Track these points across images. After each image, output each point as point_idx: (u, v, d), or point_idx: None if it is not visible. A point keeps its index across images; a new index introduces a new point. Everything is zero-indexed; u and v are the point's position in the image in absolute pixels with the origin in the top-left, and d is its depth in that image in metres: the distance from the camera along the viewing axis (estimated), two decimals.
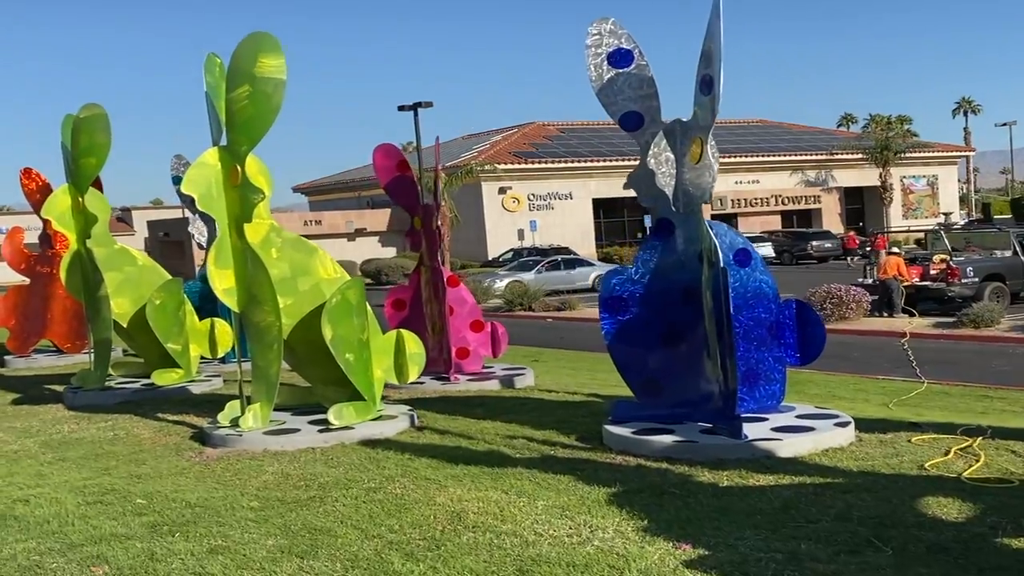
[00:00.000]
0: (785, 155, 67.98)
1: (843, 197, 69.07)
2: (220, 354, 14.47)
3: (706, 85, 8.12)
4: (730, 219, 64.33)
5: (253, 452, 9.54)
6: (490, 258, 53.77)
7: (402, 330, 10.85)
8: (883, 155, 65.10)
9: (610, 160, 61.55)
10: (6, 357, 18.94)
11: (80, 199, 12.94)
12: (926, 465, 7.68)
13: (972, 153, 76.95)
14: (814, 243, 54.32)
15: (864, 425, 9.03)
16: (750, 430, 8.24)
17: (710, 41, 8.01)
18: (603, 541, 6.20)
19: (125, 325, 13.69)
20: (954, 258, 26.04)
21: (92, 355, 13.92)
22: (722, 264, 8.05)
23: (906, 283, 25.08)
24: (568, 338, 23.04)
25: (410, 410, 10.72)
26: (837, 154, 68.24)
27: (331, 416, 9.84)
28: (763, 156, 67.20)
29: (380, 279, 48.44)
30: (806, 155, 68.47)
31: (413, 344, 10.74)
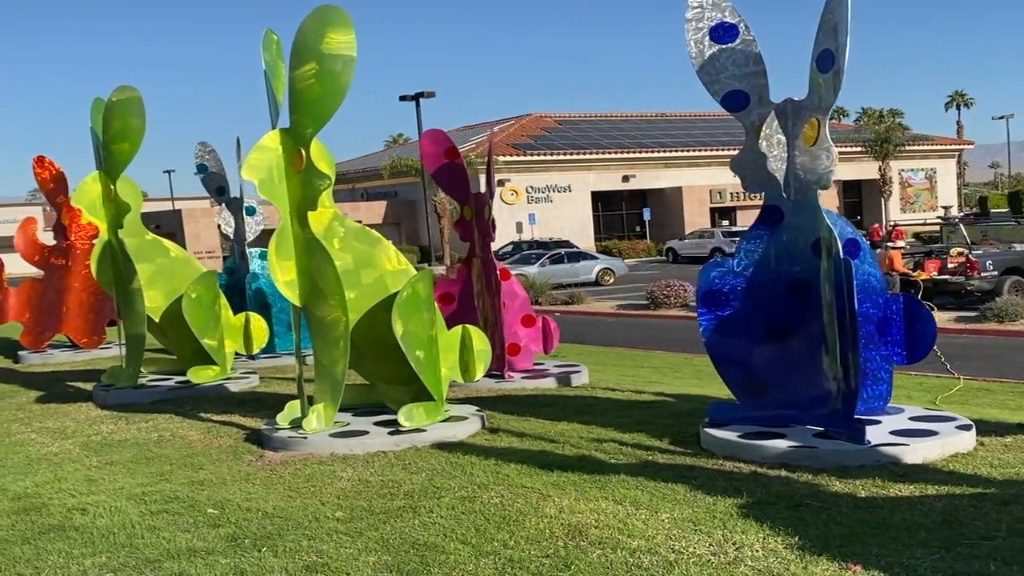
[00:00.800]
0: None
1: (841, 190, 68.68)
2: (255, 350, 13.84)
3: (825, 60, 7.51)
4: (729, 212, 63.99)
5: (320, 456, 8.91)
6: None
7: (468, 325, 10.21)
8: (883, 148, 64.73)
9: (609, 153, 61.01)
10: (20, 352, 18.18)
11: (112, 187, 12.26)
12: None
13: (971, 146, 76.67)
14: None
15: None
16: (868, 434, 7.65)
17: (832, 13, 7.41)
18: (755, 560, 5.60)
19: (157, 320, 13.02)
20: (972, 251, 25.53)
21: (124, 351, 13.25)
22: (842, 255, 7.46)
23: (912, 277, 24.62)
24: (584, 332, 22.40)
25: (478, 411, 10.11)
26: (835, 147, 67.70)
27: (401, 418, 9.21)
28: None
29: None
30: None
31: (479, 340, 10.12)
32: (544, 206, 57.45)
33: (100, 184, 12.35)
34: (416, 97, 40.51)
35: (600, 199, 61.20)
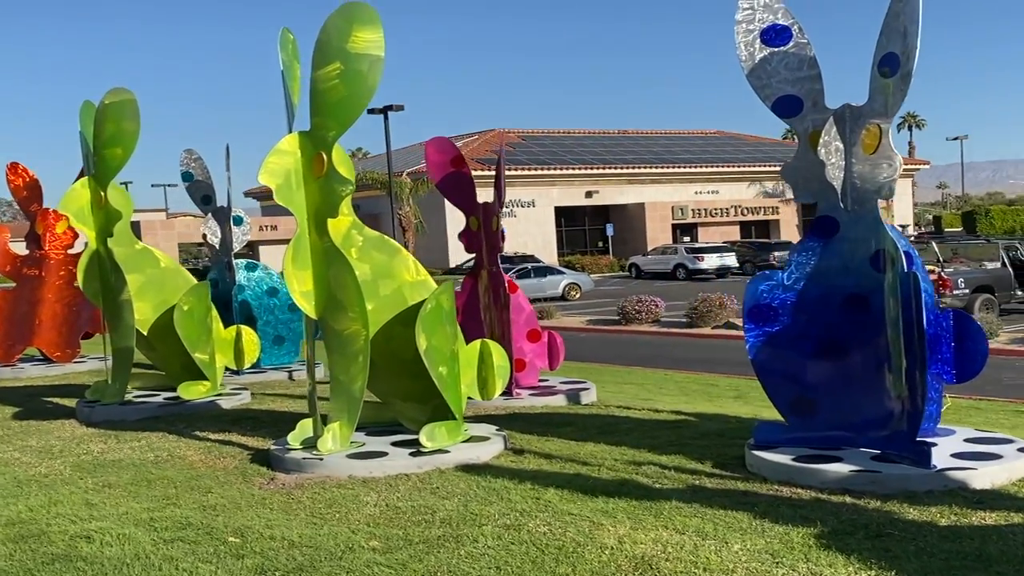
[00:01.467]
0: (743, 166, 67.87)
1: (800, 208, 68.99)
2: (246, 365, 13.26)
3: (888, 65, 7.15)
4: (691, 229, 64.05)
5: (338, 479, 8.38)
6: (452, 265, 52.61)
7: (487, 340, 9.74)
8: None
9: (572, 168, 60.85)
10: None
11: (102, 194, 11.64)
12: None
13: (927, 166, 77.42)
14: (776, 254, 54.16)
15: None
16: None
17: (898, 15, 7.06)
18: None
19: (145, 332, 12.40)
20: (944, 269, 25.45)
21: (109, 365, 12.60)
22: (906, 268, 7.09)
23: None
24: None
25: (498, 430, 9.62)
26: (899, 155, 68.09)
27: (423, 438, 8.70)
28: (722, 167, 67.00)
29: None
30: (763, 166, 68.39)
31: (499, 356, 9.63)
32: (508, 221, 57.06)
33: (89, 191, 11.73)
34: (384, 110, 39.93)
35: (563, 214, 60.97)
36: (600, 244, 62.98)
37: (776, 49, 7.87)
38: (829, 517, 6.56)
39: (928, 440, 7.42)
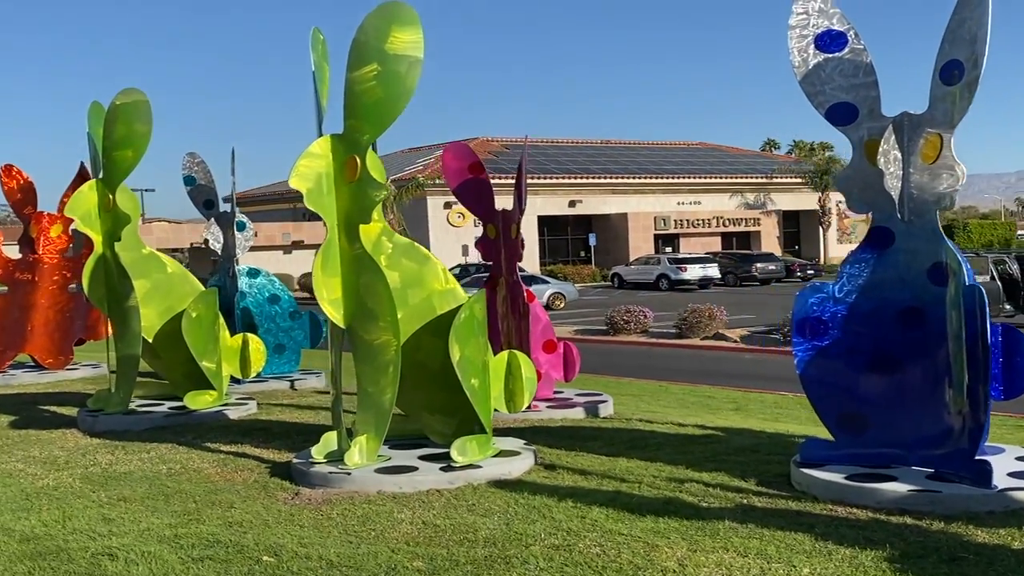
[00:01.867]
0: (725, 177, 67.97)
1: (781, 220, 69.20)
2: (252, 374, 12.93)
3: (951, 72, 6.95)
4: (673, 239, 64.02)
5: (367, 494, 8.08)
6: None
7: (514, 351, 9.47)
8: (823, 180, 65.38)
9: (555, 177, 60.69)
10: None
11: (110, 197, 11.30)
12: None
13: None
14: (758, 265, 54.26)
15: None
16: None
17: (962, 23, 6.86)
18: None
19: (150, 339, 12.05)
20: None
21: (111, 372, 12.25)
22: (968, 280, 6.88)
23: None
24: None
25: (526, 444, 9.35)
26: (776, 177, 68.35)
27: (454, 452, 8.42)
28: (704, 177, 67.05)
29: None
30: (745, 178, 68.51)
31: (527, 367, 9.37)
32: None
33: (97, 193, 11.38)
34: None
35: (546, 223, 60.77)
36: (582, 253, 62.83)
37: (831, 55, 7.65)
38: (895, 539, 6.32)
39: (985, 458, 7.21)
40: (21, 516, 7.93)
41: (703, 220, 65.14)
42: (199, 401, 11.90)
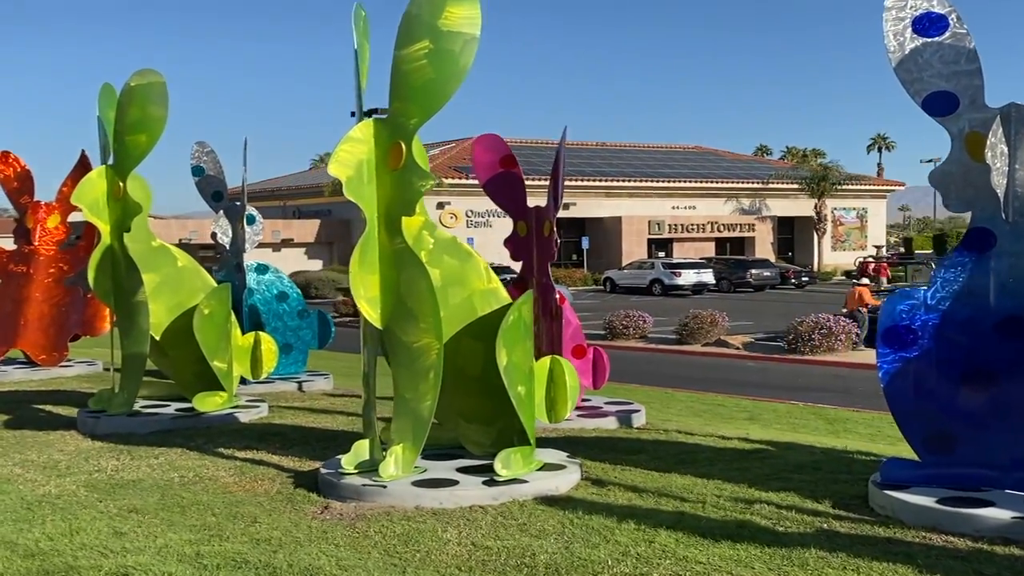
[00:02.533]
0: (721, 181, 67.48)
1: (776, 226, 68.70)
2: (263, 375, 12.24)
3: None
4: (666, 244, 63.44)
5: (404, 510, 7.42)
6: None
7: (558, 358, 8.82)
8: (819, 187, 64.98)
9: (548, 179, 59.93)
10: None
11: (120, 184, 10.60)
12: None
13: (902, 188, 77.40)
14: (753, 271, 53.73)
15: None
16: None
17: None
18: None
19: (158, 337, 11.34)
20: None
21: (115, 371, 11.55)
22: None
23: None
24: None
25: (569, 456, 8.70)
26: (772, 183, 67.91)
27: (498, 465, 7.76)
28: (700, 182, 66.51)
29: (309, 292, 45.64)
30: (741, 182, 68.03)
31: (571, 376, 8.73)
32: (483, 230, 56.15)
33: (106, 180, 10.67)
34: (370, 113, 38.81)
35: None
36: (574, 257, 62.13)
37: (929, 40, 7.01)
38: (1006, 573, 5.70)
39: None
40: (23, 528, 7.26)
41: (697, 225, 64.57)
42: (209, 403, 11.21)
